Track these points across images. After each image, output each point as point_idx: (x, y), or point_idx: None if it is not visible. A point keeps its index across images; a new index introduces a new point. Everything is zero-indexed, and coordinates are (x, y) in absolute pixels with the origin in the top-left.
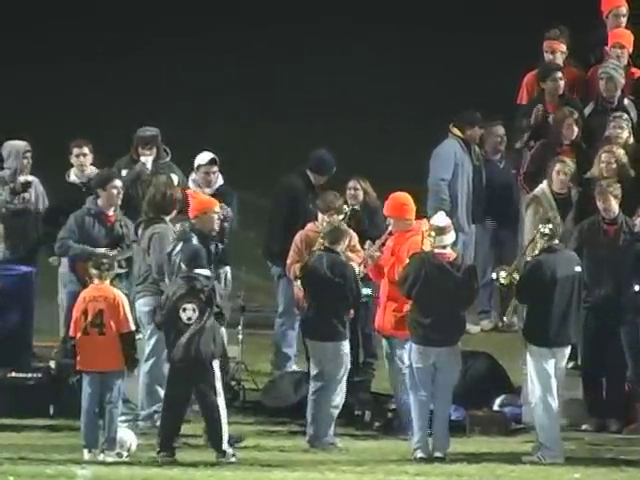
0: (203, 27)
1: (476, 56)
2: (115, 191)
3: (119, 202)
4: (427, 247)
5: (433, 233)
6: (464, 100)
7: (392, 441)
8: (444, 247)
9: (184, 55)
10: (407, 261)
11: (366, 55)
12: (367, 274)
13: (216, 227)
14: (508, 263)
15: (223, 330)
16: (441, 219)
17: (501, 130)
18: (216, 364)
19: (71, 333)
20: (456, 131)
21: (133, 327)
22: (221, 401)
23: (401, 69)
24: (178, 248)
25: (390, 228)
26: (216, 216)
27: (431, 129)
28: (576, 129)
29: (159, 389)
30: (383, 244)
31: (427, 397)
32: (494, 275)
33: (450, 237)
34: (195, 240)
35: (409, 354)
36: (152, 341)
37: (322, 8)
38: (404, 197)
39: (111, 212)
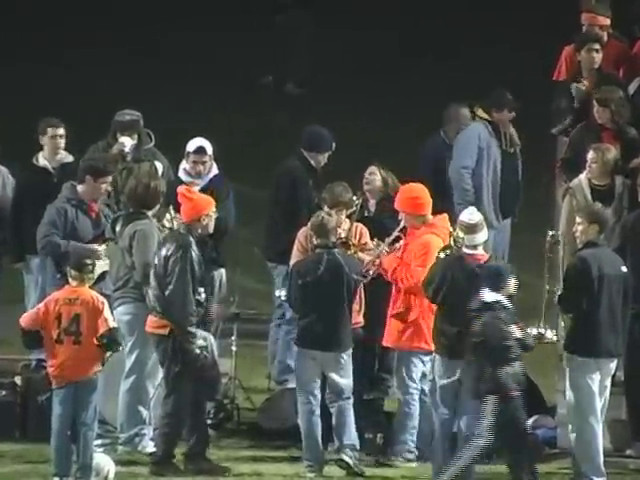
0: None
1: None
2: (104, 187)
3: (102, 197)
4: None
5: (461, 233)
6: None
7: (407, 466)
8: (475, 247)
9: (173, 41)
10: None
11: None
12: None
13: (211, 230)
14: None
15: (212, 340)
16: (471, 215)
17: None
18: None
19: (22, 321)
20: (481, 113)
21: (114, 324)
22: None
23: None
24: (179, 255)
25: (402, 224)
26: (213, 217)
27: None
28: (600, 109)
29: (141, 409)
30: (394, 241)
31: (450, 415)
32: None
33: (482, 236)
34: (195, 246)
35: (432, 367)
36: (133, 356)
37: None
38: (418, 189)
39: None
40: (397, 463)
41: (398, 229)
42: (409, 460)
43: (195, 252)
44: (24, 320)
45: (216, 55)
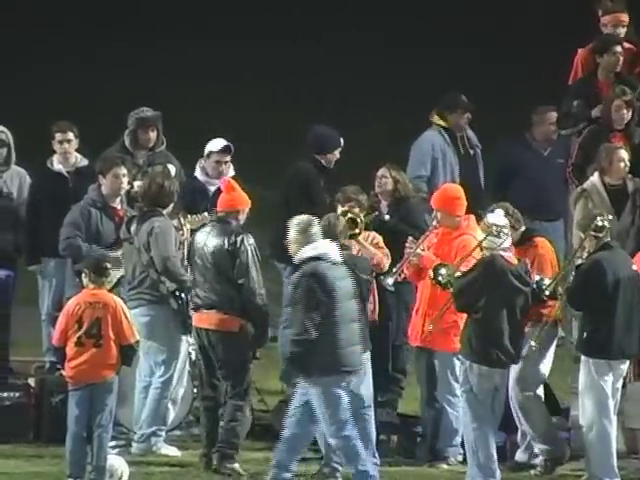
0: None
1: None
2: (119, 181)
3: (122, 192)
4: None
5: (492, 236)
6: None
7: (421, 468)
8: (503, 250)
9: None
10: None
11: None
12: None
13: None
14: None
15: None
16: (500, 218)
17: (554, 117)
18: None
19: (54, 341)
20: (437, 119)
21: (137, 336)
22: None
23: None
24: (245, 244)
25: (434, 223)
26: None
27: None
28: (626, 112)
29: (164, 410)
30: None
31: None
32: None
33: (509, 240)
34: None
35: (465, 376)
36: (162, 357)
37: None
38: (456, 190)
39: (118, 204)
40: (444, 466)
41: (431, 228)
42: (460, 462)
43: (251, 239)
44: (55, 339)
45: None
